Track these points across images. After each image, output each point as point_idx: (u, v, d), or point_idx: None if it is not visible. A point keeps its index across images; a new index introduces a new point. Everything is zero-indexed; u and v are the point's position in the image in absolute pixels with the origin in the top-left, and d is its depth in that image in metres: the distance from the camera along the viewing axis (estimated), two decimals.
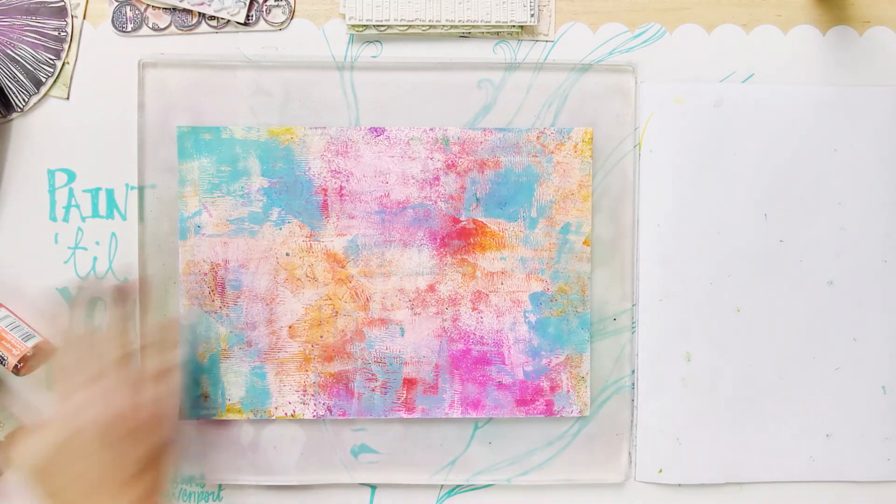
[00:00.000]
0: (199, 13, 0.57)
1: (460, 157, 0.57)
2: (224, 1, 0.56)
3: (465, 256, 0.57)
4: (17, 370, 0.55)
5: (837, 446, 0.59)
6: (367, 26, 0.57)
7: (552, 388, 0.58)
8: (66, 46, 0.56)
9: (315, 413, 0.57)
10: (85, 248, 0.57)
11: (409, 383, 0.58)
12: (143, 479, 0.46)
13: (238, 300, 0.57)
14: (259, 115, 0.57)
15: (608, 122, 0.58)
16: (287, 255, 0.57)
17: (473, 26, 0.57)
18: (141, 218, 0.57)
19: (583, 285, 0.58)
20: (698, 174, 0.58)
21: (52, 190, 0.57)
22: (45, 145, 0.57)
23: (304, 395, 0.57)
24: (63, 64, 0.57)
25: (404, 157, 0.57)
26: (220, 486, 0.59)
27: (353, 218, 0.57)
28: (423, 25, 0.57)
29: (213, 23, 0.57)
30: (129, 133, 0.57)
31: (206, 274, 0.57)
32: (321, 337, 0.57)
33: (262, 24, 0.57)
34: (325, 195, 0.57)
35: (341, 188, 0.57)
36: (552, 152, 0.57)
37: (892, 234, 0.59)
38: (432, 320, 0.57)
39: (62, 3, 0.56)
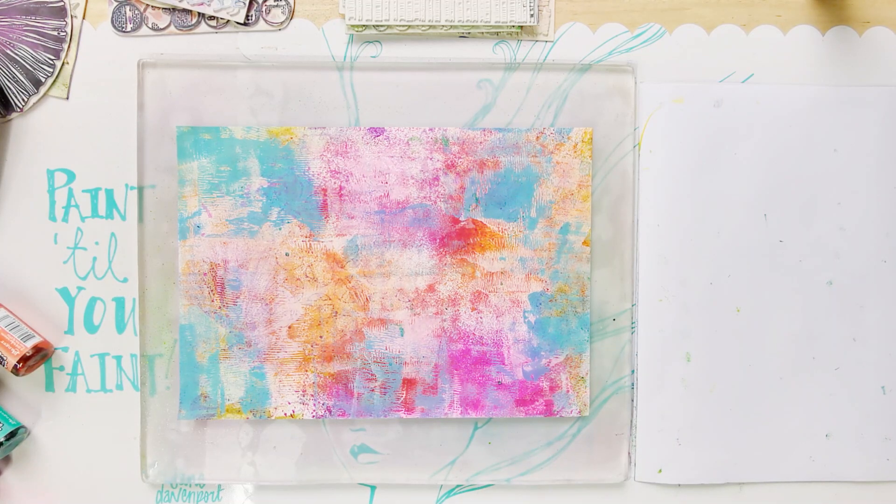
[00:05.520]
0: (199, 13, 0.57)
1: (460, 158, 0.57)
2: (224, 1, 0.56)
3: (464, 256, 0.57)
4: (16, 370, 0.55)
5: (837, 446, 0.59)
6: (366, 26, 0.57)
7: (552, 388, 0.58)
8: (65, 46, 0.56)
9: (314, 413, 0.57)
10: (84, 249, 0.57)
11: (409, 383, 0.58)
12: None
13: (237, 300, 0.57)
14: (259, 115, 0.57)
15: (608, 122, 0.58)
16: (287, 255, 0.57)
17: (473, 26, 0.57)
18: (140, 218, 0.57)
19: (582, 285, 0.58)
20: (698, 174, 0.58)
21: (52, 190, 0.57)
22: (44, 145, 0.57)
23: (304, 396, 0.57)
24: (62, 64, 0.57)
25: (404, 157, 0.57)
26: (219, 486, 0.59)
27: (352, 218, 0.57)
28: (422, 25, 0.57)
29: (213, 23, 0.57)
30: (129, 133, 0.57)
31: (205, 274, 0.57)
32: (321, 337, 0.57)
33: (261, 24, 0.57)
34: (325, 195, 0.57)
35: (341, 188, 0.57)
36: (552, 152, 0.57)
37: (891, 234, 0.59)
38: (432, 320, 0.57)
39: (62, 3, 0.56)
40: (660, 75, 0.58)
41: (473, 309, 0.57)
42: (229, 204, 0.56)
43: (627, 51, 0.58)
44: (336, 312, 0.57)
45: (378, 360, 0.57)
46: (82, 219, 0.57)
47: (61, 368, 0.58)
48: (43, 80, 0.57)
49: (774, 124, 0.58)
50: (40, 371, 0.58)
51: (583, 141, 0.57)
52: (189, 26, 0.57)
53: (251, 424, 0.58)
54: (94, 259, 0.58)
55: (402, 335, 0.57)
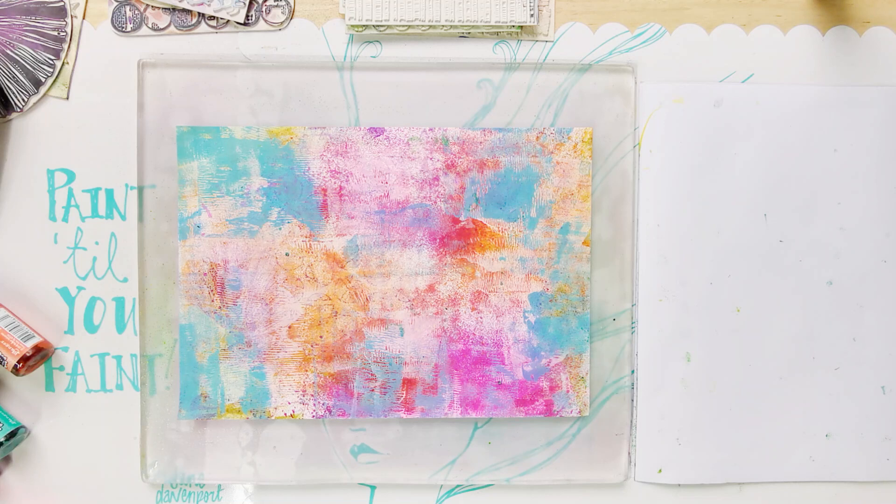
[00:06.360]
0: (199, 13, 0.57)
1: (460, 158, 0.57)
2: (224, 1, 0.56)
3: (464, 256, 0.57)
4: (16, 370, 0.55)
5: (837, 446, 0.59)
6: (366, 26, 0.57)
7: (552, 388, 0.58)
8: (65, 46, 0.56)
9: (314, 413, 0.57)
10: (84, 248, 0.57)
11: (409, 383, 0.58)
12: None
13: (237, 300, 0.57)
14: (259, 115, 0.57)
15: (608, 122, 0.58)
16: (287, 255, 0.57)
17: (473, 26, 0.57)
18: (140, 218, 0.57)
19: (582, 285, 0.58)
20: (698, 174, 0.58)
21: (52, 190, 0.57)
22: (44, 145, 0.57)
23: (304, 396, 0.57)
24: (62, 64, 0.57)
25: (404, 157, 0.57)
26: (219, 485, 0.59)
27: (352, 218, 0.57)
28: (422, 25, 0.57)
29: (213, 23, 0.57)
30: (129, 133, 0.57)
31: (205, 274, 0.57)
32: (321, 337, 0.57)
33: (261, 24, 0.57)
34: (325, 195, 0.57)
35: (341, 188, 0.57)
36: (552, 152, 0.57)
37: (892, 234, 0.59)
38: (432, 320, 0.57)
39: (62, 3, 0.56)
40: (660, 75, 0.58)
41: (473, 309, 0.57)
42: (229, 204, 0.56)
43: (627, 51, 0.58)
44: (336, 312, 0.57)
45: (378, 360, 0.57)
46: (82, 219, 0.57)
47: (61, 368, 0.58)
48: (43, 80, 0.57)
49: (774, 124, 0.58)
50: (40, 371, 0.58)
51: (583, 141, 0.57)
52: (189, 26, 0.57)
53: (251, 424, 0.58)
54: (94, 259, 0.58)
55: (402, 335, 0.57)
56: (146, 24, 0.57)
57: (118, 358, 0.58)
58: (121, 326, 0.58)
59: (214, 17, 0.57)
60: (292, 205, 0.57)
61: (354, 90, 0.57)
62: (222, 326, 0.57)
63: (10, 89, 0.56)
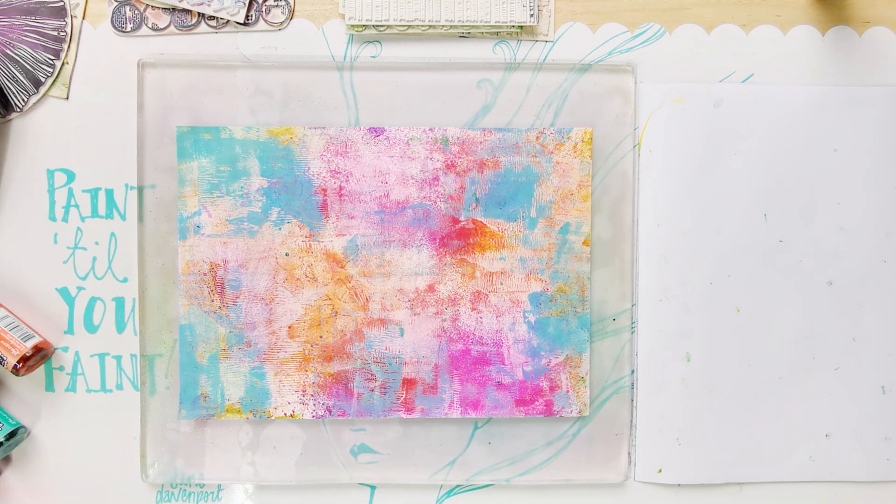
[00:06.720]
0: (199, 13, 0.57)
1: (460, 158, 0.57)
2: (223, 1, 0.56)
3: (464, 256, 0.57)
4: (16, 370, 0.55)
5: (837, 446, 0.59)
6: (366, 26, 0.57)
7: (552, 388, 0.58)
8: (65, 46, 0.56)
9: (314, 413, 0.57)
10: (84, 248, 0.57)
11: (409, 383, 0.58)
12: None
13: (237, 300, 0.57)
14: (259, 115, 0.57)
15: (608, 122, 0.58)
16: (286, 255, 0.57)
17: (473, 26, 0.57)
18: (140, 218, 0.57)
19: (582, 285, 0.58)
20: (698, 174, 0.58)
21: (52, 190, 0.57)
22: (44, 145, 0.57)
23: (304, 396, 0.57)
24: (62, 64, 0.57)
25: (404, 157, 0.57)
26: (219, 486, 0.59)
27: (352, 218, 0.57)
28: (422, 25, 0.57)
29: (213, 23, 0.57)
30: (129, 133, 0.57)
31: (205, 274, 0.57)
32: (320, 337, 0.57)
33: (261, 24, 0.57)
34: (325, 195, 0.57)
35: (341, 188, 0.57)
36: (552, 152, 0.57)
37: (891, 234, 0.59)
38: (432, 320, 0.57)
39: (61, 3, 0.56)
40: (660, 75, 0.58)
41: (473, 309, 0.57)
42: (229, 204, 0.56)
43: (627, 51, 0.58)
44: (336, 312, 0.57)
45: (378, 360, 0.57)
46: (82, 219, 0.57)
47: (61, 368, 0.58)
48: (43, 80, 0.57)
49: (774, 124, 0.58)
50: (40, 371, 0.58)
51: (583, 141, 0.57)
52: (189, 26, 0.57)
53: (251, 424, 0.58)
54: (94, 259, 0.58)
55: (402, 335, 0.57)
56: (146, 24, 0.57)
57: (118, 358, 0.58)
58: (121, 326, 0.58)
59: (214, 17, 0.57)
60: (292, 205, 0.57)
61: (354, 90, 0.57)
62: (222, 326, 0.57)
63: (10, 89, 0.56)
